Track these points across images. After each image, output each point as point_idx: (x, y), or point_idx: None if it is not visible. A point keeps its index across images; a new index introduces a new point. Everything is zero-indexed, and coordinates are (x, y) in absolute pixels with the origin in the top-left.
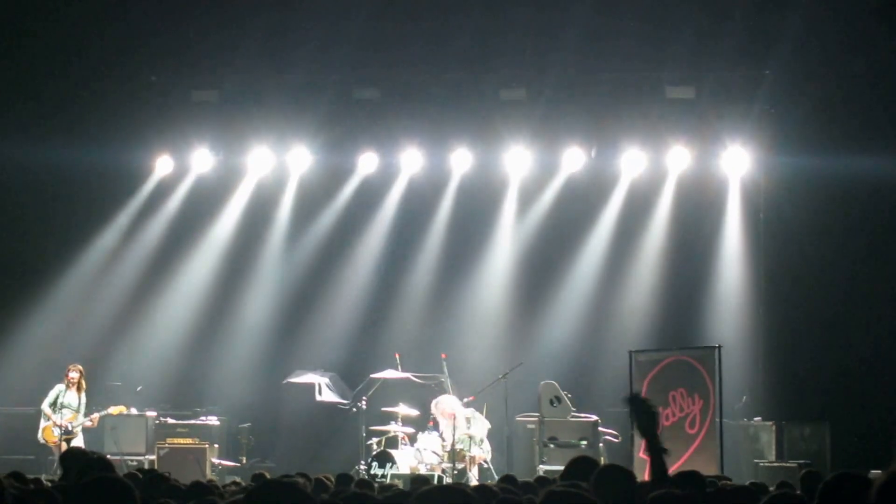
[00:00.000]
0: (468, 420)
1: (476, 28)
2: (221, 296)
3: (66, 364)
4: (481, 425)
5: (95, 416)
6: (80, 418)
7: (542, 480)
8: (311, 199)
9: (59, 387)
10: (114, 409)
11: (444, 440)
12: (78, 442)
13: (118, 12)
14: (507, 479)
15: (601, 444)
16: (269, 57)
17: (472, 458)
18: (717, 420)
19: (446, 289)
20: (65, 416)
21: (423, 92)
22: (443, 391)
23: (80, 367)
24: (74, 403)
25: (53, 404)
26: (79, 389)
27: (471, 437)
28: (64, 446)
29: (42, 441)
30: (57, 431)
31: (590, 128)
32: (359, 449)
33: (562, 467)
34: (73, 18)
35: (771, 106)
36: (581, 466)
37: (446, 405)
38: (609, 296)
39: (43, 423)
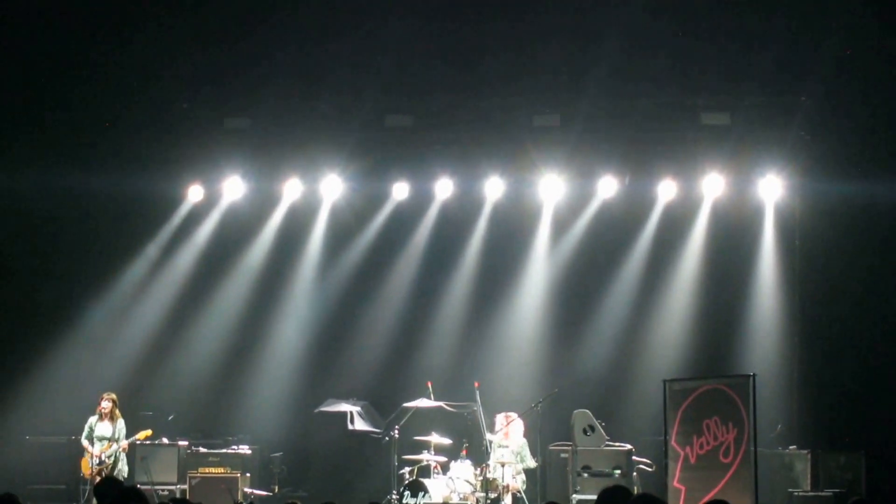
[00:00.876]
0: (519, 452)
1: (509, 55)
2: (253, 324)
3: (97, 393)
4: (523, 460)
5: (124, 442)
6: (114, 447)
7: None
8: (344, 227)
9: (92, 419)
10: (141, 434)
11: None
12: (119, 470)
13: (150, 40)
14: None
15: (635, 474)
16: (301, 84)
17: (506, 487)
18: (752, 449)
19: (479, 317)
20: (99, 447)
21: (455, 119)
22: (476, 420)
23: (114, 396)
24: (107, 433)
25: (89, 437)
26: (112, 419)
27: (503, 465)
28: (98, 478)
29: (82, 474)
30: (92, 462)
31: (624, 154)
32: (391, 478)
33: (595, 497)
34: (104, 45)
35: (806, 132)
36: (614, 496)
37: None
38: (643, 324)
39: (84, 457)
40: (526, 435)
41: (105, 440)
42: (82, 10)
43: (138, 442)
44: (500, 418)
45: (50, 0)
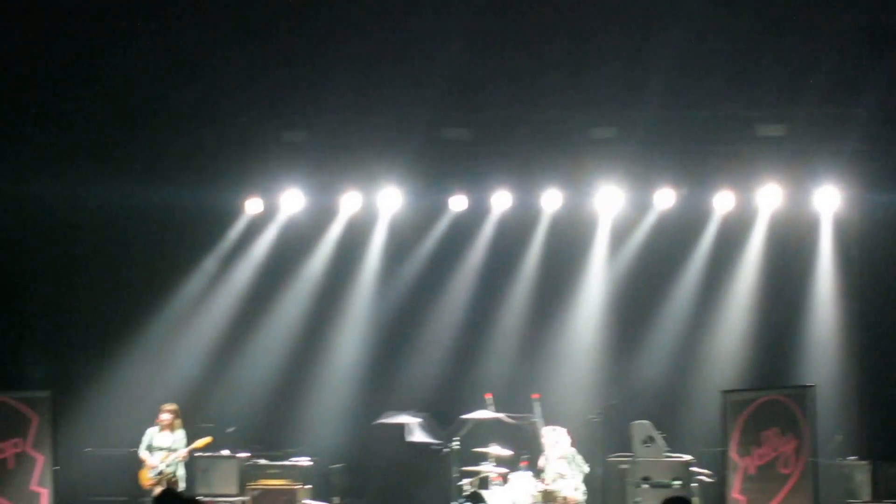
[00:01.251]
0: (568, 459)
1: (566, 67)
2: (312, 337)
3: (157, 405)
4: (579, 467)
5: (183, 451)
6: (172, 456)
7: None
8: (402, 240)
9: (151, 430)
10: (200, 442)
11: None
12: (178, 480)
13: (208, 55)
14: None
15: (694, 485)
16: (358, 97)
17: (566, 499)
18: (812, 460)
19: (537, 328)
20: (158, 457)
21: (512, 131)
22: (535, 432)
23: (173, 407)
24: (166, 444)
25: (148, 448)
26: (172, 430)
27: (562, 476)
28: (158, 489)
29: (141, 486)
30: (150, 474)
31: (680, 166)
32: (451, 490)
33: None
34: (160, 57)
35: (864, 143)
36: None
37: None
38: (701, 335)
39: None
40: (574, 445)
41: (164, 450)
42: (141, 25)
43: (197, 453)
44: (547, 431)
45: (109, 20)
